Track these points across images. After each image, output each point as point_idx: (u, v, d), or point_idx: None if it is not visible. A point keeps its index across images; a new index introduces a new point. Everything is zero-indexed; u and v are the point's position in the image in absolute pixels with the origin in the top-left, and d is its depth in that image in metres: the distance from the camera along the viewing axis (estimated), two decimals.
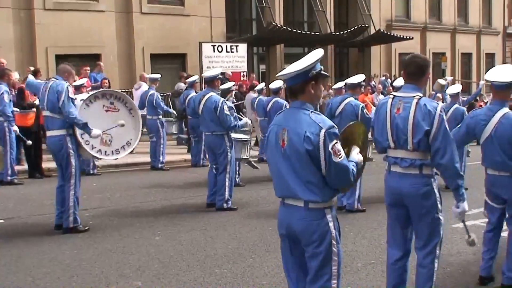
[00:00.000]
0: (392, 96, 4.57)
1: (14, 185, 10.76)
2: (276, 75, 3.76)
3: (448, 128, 4.28)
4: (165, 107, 13.40)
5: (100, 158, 8.20)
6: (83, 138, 7.49)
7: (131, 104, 8.15)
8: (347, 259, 6.00)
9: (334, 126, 3.43)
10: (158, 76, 13.72)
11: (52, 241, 7.02)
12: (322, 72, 3.52)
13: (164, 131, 13.15)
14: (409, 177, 4.39)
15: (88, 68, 15.45)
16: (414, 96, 4.38)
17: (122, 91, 9.83)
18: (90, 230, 7.49)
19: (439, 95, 13.30)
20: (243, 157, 9.72)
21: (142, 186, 10.89)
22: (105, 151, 7.84)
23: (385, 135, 4.50)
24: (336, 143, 3.39)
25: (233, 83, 11.06)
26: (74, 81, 9.77)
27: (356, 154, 3.66)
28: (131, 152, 8.64)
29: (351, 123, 4.08)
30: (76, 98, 7.58)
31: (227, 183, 8.73)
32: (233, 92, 12.60)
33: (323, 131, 3.36)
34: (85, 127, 7.29)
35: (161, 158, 13.08)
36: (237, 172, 10.36)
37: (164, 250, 6.65)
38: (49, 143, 7.57)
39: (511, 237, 5.31)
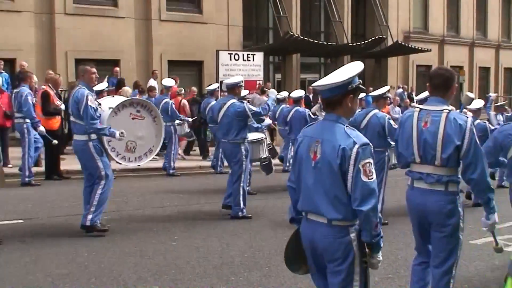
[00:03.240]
0: (418, 109, 4.46)
1: (32, 186, 10.90)
2: (313, 85, 3.70)
3: (478, 142, 4.20)
4: (180, 115, 13.45)
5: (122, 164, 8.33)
6: (109, 145, 7.67)
7: (155, 113, 8.33)
8: None
9: (369, 144, 3.36)
10: (172, 82, 13.76)
11: (70, 243, 7.10)
12: (361, 86, 3.47)
13: (177, 137, 13.24)
14: (434, 193, 4.29)
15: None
16: (443, 110, 4.28)
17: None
18: (108, 233, 7.52)
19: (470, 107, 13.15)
20: (262, 156, 9.77)
21: (158, 191, 10.96)
22: (129, 158, 8.06)
23: (410, 150, 4.40)
24: (368, 162, 3.31)
25: (247, 91, 11.06)
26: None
27: None
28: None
29: None
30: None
31: (241, 192, 8.73)
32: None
33: (356, 146, 3.30)
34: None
35: (172, 164, 13.16)
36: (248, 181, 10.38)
37: (181, 256, 6.70)
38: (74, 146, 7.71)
39: None
